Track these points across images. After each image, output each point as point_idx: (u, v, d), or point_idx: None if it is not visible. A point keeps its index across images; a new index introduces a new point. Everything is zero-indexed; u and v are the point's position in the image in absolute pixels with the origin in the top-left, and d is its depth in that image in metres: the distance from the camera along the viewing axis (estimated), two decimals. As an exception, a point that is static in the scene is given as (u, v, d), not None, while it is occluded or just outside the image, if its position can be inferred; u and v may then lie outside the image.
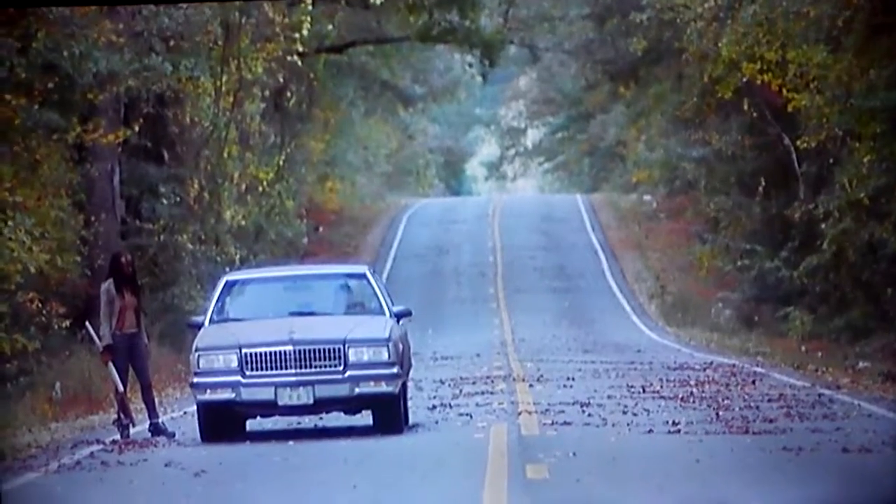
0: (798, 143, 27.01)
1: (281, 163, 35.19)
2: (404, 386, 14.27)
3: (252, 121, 32.51)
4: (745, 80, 26.85)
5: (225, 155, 29.58)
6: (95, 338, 15.05)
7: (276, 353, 13.77)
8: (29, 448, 14.53)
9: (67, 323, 19.90)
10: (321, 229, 45.10)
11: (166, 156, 27.62)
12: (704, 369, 21.16)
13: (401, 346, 14.09)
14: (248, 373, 13.77)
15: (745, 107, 31.14)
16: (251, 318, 14.34)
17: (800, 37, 24.49)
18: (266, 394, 13.73)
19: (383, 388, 13.80)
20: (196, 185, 27.98)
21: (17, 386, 18.49)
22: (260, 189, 32.62)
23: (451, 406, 16.63)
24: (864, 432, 13.18)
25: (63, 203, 20.78)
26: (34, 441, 15.10)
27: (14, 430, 16.00)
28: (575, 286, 37.72)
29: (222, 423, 13.96)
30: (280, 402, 13.74)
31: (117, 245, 23.37)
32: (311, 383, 13.74)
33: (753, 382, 18.89)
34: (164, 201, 26.94)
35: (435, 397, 17.66)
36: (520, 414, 15.44)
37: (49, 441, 15.13)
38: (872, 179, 24.27)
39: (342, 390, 13.76)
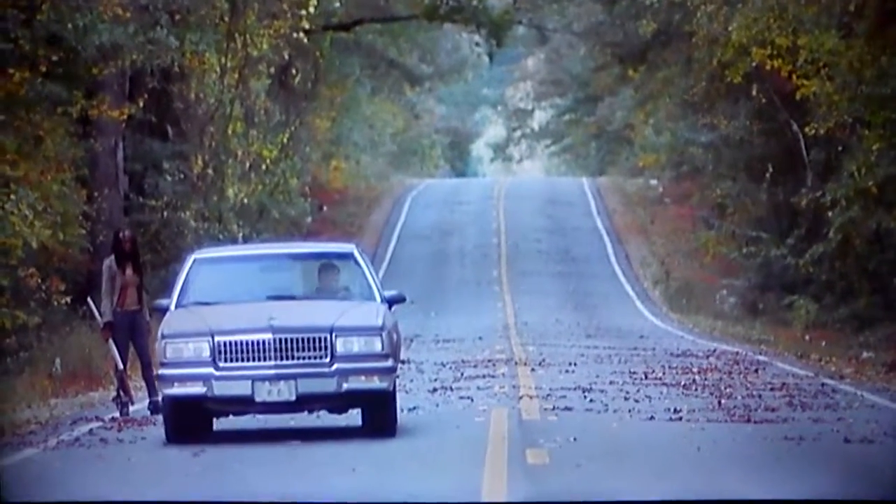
0: (806, 129, 26.88)
1: (285, 141, 35.09)
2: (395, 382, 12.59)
3: (257, 98, 32.41)
4: (754, 65, 26.71)
5: (229, 132, 29.50)
6: (97, 314, 14.99)
7: (253, 342, 12.00)
8: (28, 424, 14.50)
9: (68, 299, 19.83)
10: (325, 208, 45.03)
11: (171, 132, 27.54)
12: (707, 357, 21.10)
13: (394, 337, 12.41)
14: (221, 364, 12.00)
15: (754, 92, 31.00)
16: (223, 302, 12.55)
17: (811, 22, 24.33)
18: (242, 388, 11.99)
19: (376, 383, 12.09)
20: (200, 162, 27.90)
21: (17, 361, 18.45)
22: (264, 167, 32.53)
23: (452, 389, 16.56)
24: (866, 423, 13.12)
25: (66, 178, 20.71)
26: (33, 417, 15.08)
27: (13, 405, 15.97)
28: (579, 270, 37.64)
29: (192, 420, 12.26)
30: (258, 398, 12.01)
31: (120, 221, 23.31)
32: (294, 377, 11.99)
33: (756, 371, 18.82)
34: (168, 178, 26.87)
35: (436, 380, 17.60)
36: (521, 398, 15.38)
37: (48, 417, 15.10)
38: (881, 168, 24.15)
39: (328, 385, 12.01)
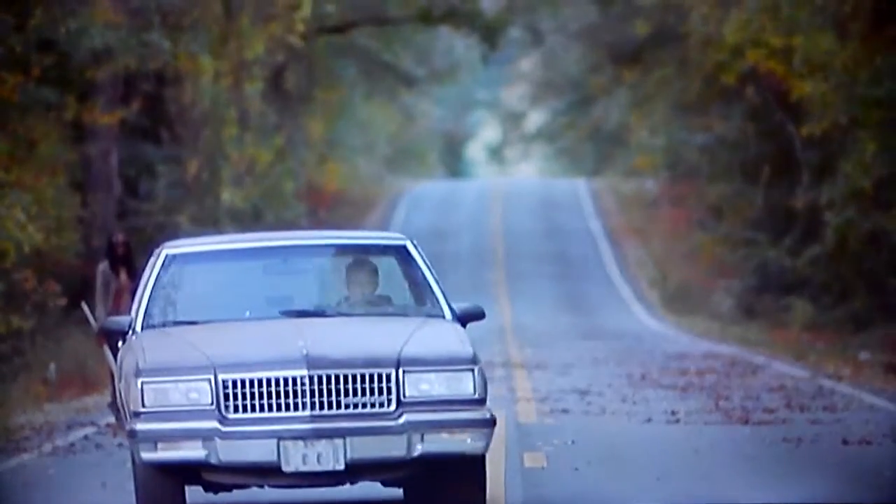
0: (802, 130, 26.89)
1: (280, 144, 35.09)
2: None
3: (252, 101, 32.42)
4: (749, 66, 26.74)
5: (224, 135, 29.48)
6: (91, 319, 14.94)
7: (279, 381, 7.69)
8: (23, 429, 14.45)
9: (63, 303, 19.81)
10: (321, 211, 45.04)
11: (165, 136, 27.53)
12: (704, 358, 21.08)
13: (485, 374, 8.14)
14: (230, 415, 7.69)
15: (749, 94, 31.03)
16: (217, 321, 8.23)
17: (805, 23, 24.36)
18: (264, 452, 7.67)
19: (466, 444, 7.80)
20: (194, 166, 27.89)
21: (12, 366, 18.40)
22: (259, 170, 32.53)
23: (448, 392, 16.47)
24: (864, 424, 13.08)
25: (60, 182, 20.69)
26: (28, 422, 15.03)
27: (8, 410, 15.92)
28: (575, 272, 37.64)
29: (181, 497, 7.99)
30: (287, 467, 7.68)
31: (114, 225, 23.29)
32: (342, 434, 7.68)
33: (754, 372, 18.80)
34: (163, 181, 26.86)
35: (433, 383, 17.50)
36: (518, 401, 15.34)
37: (43, 422, 15.06)
38: (876, 168, 24.18)
39: (394, 447, 7.73)
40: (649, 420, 13.64)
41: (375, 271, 8.56)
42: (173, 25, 23.87)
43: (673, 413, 14.02)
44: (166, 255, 8.62)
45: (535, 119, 72.19)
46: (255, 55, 29.82)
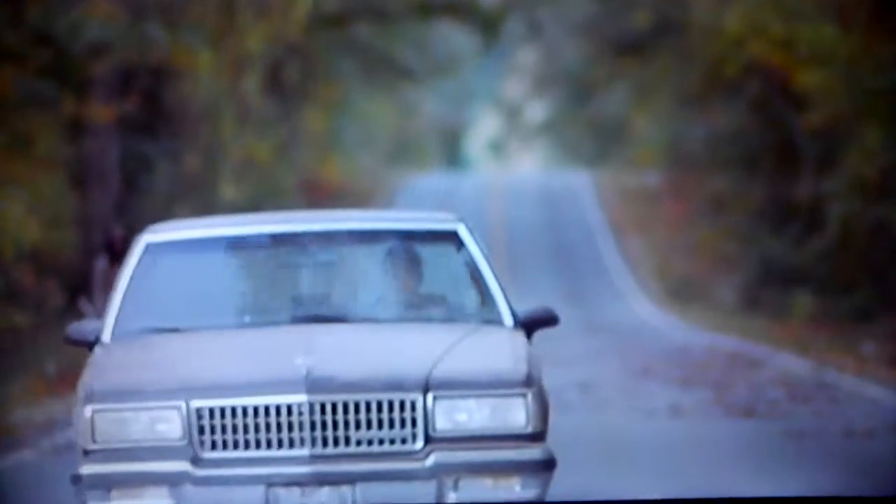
0: (804, 121, 26.85)
1: (280, 138, 35.09)
2: None
3: (251, 96, 32.40)
4: (751, 57, 26.69)
5: (223, 130, 29.47)
6: (88, 315, 14.91)
7: (272, 409, 5.93)
8: (22, 426, 14.42)
9: (62, 299, 19.78)
10: (320, 205, 45.02)
11: (164, 131, 27.50)
12: (707, 351, 21.05)
13: (545, 398, 6.43)
14: (205, 454, 5.93)
15: (752, 84, 30.99)
16: (205, 329, 6.40)
17: (809, 13, 24.32)
18: (249, 501, 5.94)
19: (515, 492, 6.13)
20: (193, 161, 27.88)
21: (11, 362, 18.37)
22: (258, 165, 32.53)
23: (449, 387, 16.41)
24: (867, 416, 13.06)
25: (59, 177, 20.66)
26: (27, 419, 14.99)
27: (7, 407, 15.89)
28: (577, 266, 37.64)
29: None
30: None
31: (113, 221, 23.26)
32: (350, 479, 5.92)
33: (756, 365, 18.77)
34: (161, 176, 26.84)
35: (434, 377, 17.44)
36: (519, 395, 15.27)
37: (42, 419, 15.03)
38: (880, 158, 24.14)
39: (419, 496, 6.00)
40: (651, 413, 13.61)
41: (419, 263, 6.64)
42: (172, 20, 23.85)
43: (675, 406, 13.99)
44: (146, 245, 6.57)
45: (536, 111, 72.10)
46: (254, 50, 29.79)
